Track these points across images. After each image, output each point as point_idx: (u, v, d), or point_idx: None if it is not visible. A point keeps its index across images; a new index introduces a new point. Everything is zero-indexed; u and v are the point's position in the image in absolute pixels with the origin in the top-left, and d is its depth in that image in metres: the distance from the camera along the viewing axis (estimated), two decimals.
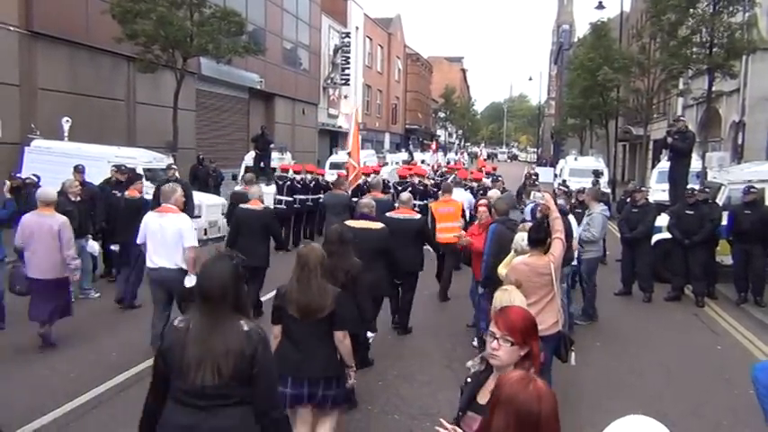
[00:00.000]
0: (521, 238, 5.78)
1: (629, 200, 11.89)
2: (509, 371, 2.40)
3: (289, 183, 14.64)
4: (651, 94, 25.20)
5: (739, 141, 20.99)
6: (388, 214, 8.24)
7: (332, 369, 4.24)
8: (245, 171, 19.57)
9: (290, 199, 14.33)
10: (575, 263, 8.74)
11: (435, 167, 26.37)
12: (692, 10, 17.17)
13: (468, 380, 2.84)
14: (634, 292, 10.85)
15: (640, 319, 9.61)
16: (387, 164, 27.80)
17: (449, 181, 12.93)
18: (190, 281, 6.42)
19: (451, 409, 4.70)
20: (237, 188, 13.41)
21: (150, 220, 6.88)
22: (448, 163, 33.96)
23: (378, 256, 6.67)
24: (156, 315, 7.02)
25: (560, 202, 8.85)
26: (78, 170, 10.44)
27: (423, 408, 5.99)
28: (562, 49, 76.32)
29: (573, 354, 5.33)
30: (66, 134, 14.67)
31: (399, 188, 14.15)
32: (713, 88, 17.75)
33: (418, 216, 8.43)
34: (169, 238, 6.68)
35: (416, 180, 14.22)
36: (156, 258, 6.79)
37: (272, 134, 24.24)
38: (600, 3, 31.79)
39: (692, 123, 23.09)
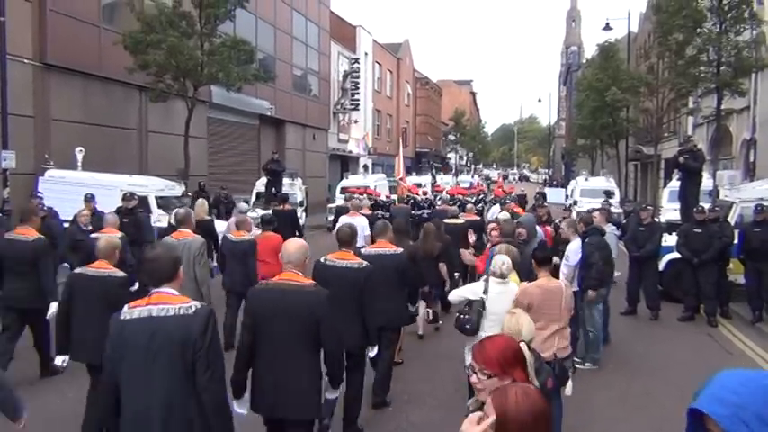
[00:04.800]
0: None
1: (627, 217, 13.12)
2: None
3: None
4: (660, 113, 25.20)
5: (751, 159, 20.88)
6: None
7: (438, 280, 8.96)
8: (257, 197, 20.26)
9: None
10: (575, 288, 8.59)
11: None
12: (698, 29, 17.24)
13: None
14: (640, 312, 10.78)
15: (653, 339, 9.51)
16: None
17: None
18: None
19: None
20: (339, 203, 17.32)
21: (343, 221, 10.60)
22: (458, 185, 34.48)
23: (459, 241, 9.76)
24: None
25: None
26: (87, 199, 10.50)
27: None
28: (571, 71, 76.50)
29: (570, 382, 5.05)
30: (79, 164, 14.83)
31: (450, 203, 19.01)
32: (723, 106, 17.73)
33: (479, 218, 13.14)
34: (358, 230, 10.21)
35: (461, 198, 20.98)
36: None
37: (284, 160, 24.40)
38: (607, 24, 32.03)
39: (702, 142, 23.06)
